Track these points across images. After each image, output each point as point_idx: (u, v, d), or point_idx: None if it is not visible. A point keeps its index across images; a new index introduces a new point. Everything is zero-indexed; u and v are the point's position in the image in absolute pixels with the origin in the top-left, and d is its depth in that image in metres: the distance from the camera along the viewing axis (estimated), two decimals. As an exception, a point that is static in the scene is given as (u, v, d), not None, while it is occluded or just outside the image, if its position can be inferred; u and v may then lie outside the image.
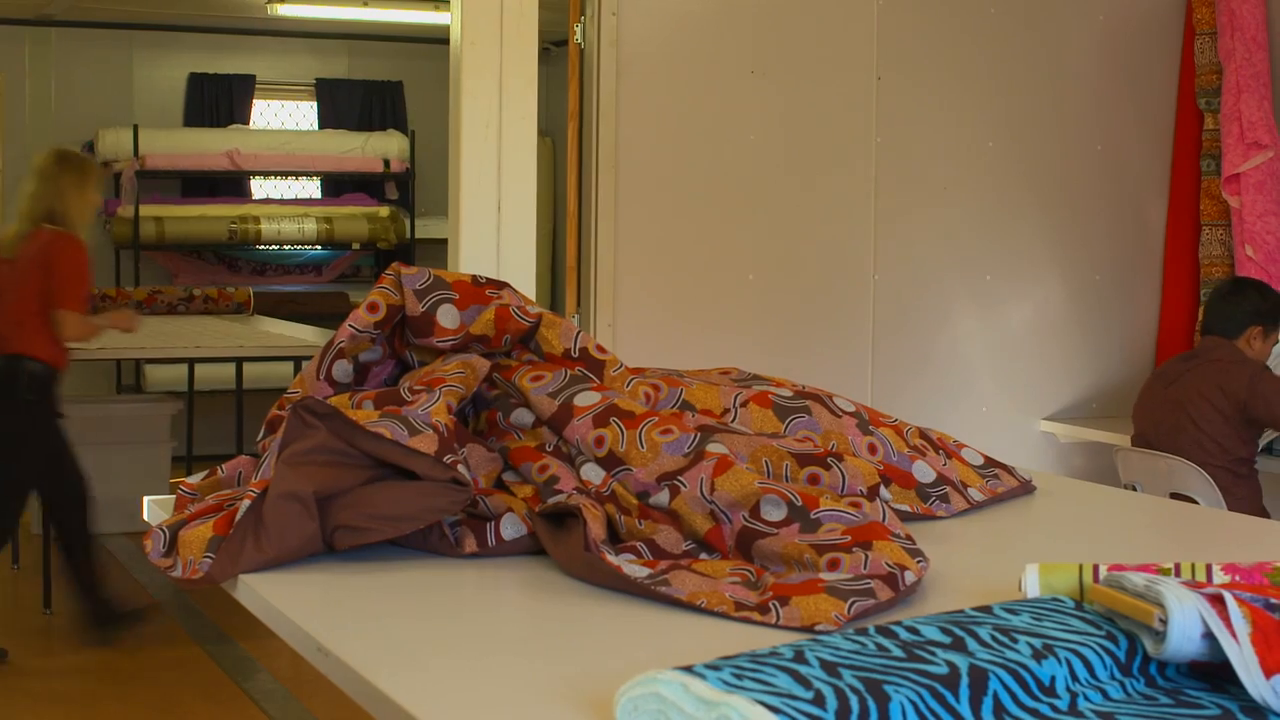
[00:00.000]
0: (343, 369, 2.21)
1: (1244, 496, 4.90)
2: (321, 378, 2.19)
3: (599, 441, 2.03)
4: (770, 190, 5.45)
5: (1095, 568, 1.57)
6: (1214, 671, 1.40)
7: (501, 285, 2.25)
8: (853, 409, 2.34)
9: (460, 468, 1.92)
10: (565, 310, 5.50)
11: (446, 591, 1.81)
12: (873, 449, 2.27)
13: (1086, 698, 1.34)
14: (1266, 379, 4.95)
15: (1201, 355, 5.01)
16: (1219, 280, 5.74)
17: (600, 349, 2.27)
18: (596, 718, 1.31)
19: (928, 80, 5.70)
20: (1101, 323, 6.08)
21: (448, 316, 2.17)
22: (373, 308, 2.18)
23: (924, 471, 2.29)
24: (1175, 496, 4.54)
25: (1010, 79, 5.88)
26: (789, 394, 2.31)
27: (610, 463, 2.01)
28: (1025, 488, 2.48)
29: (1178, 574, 1.57)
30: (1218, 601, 1.37)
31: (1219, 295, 5.17)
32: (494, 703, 1.39)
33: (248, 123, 11.09)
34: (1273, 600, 1.38)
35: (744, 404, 2.26)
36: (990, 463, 2.47)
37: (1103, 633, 1.41)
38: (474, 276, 2.25)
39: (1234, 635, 1.34)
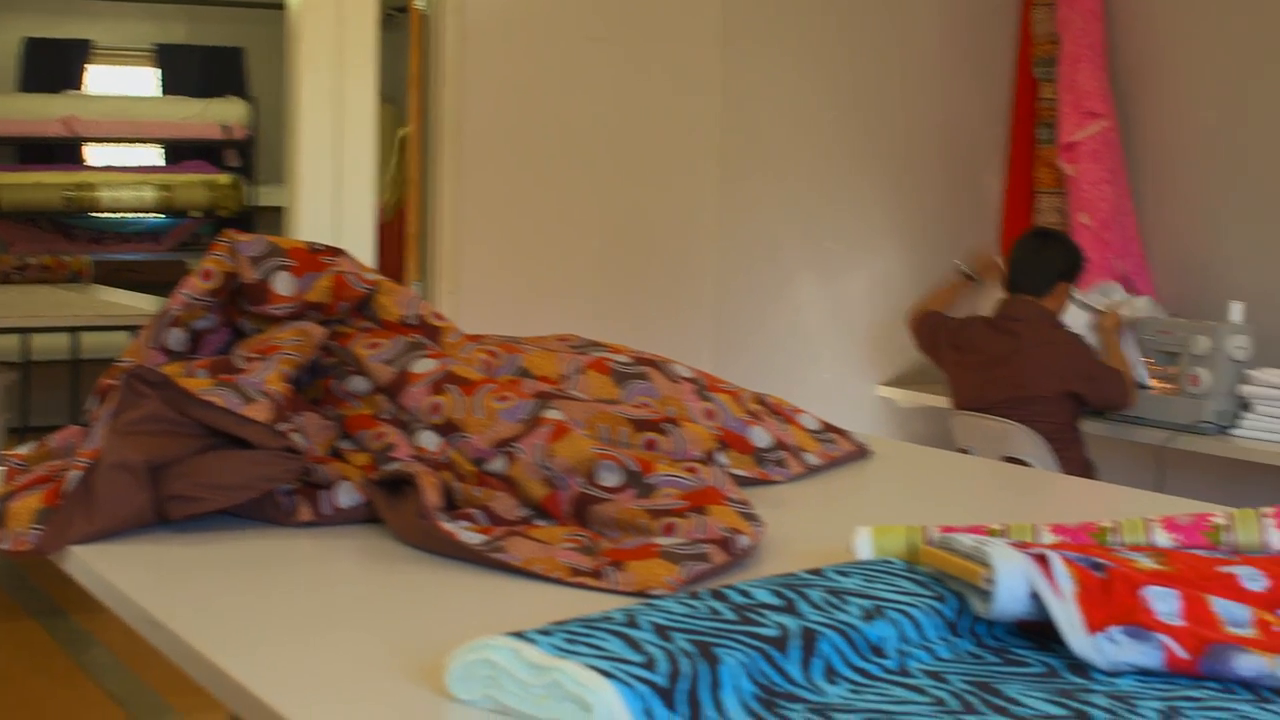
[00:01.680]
0: (177, 337, 2.17)
1: (1074, 459, 5.00)
2: (154, 346, 2.16)
3: (435, 409, 2.02)
4: (613, 157, 5.46)
5: (926, 530, 1.59)
6: (1040, 630, 1.42)
7: (338, 252, 2.23)
8: (690, 375, 2.35)
9: (295, 436, 1.90)
10: (407, 278, 5.47)
11: (281, 561, 1.80)
12: (710, 414, 2.28)
13: (916, 658, 1.36)
14: (1092, 363, 5.06)
15: (1020, 329, 5.06)
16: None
17: (438, 316, 2.26)
18: (430, 686, 1.30)
19: (772, 48, 5.73)
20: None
21: (284, 284, 2.14)
22: (206, 275, 2.15)
23: (761, 436, 2.30)
24: (1008, 460, 4.62)
25: (853, 48, 5.93)
26: (627, 360, 2.32)
27: (447, 430, 2.00)
28: (861, 452, 2.50)
29: (1006, 535, 1.59)
30: (1043, 561, 1.39)
31: (1025, 250, 5.21)
32: (328, 673, 1.38)
33: (84, 88, 10.87)
34: (1097, 559, 1.41)
35: (582, 370, 2.26)
36: (827, 427, 2.50)
37: (932, 594, 1.43)
38: (310, 243, 2.23)
39: (1059, 594, 1.36)
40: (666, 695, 1.17)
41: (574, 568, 1.67)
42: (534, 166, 5.35)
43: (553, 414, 1.98)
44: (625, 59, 5.46)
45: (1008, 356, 5.03)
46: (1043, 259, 5.16)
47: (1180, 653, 1.32)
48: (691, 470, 1.90)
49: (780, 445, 2.32)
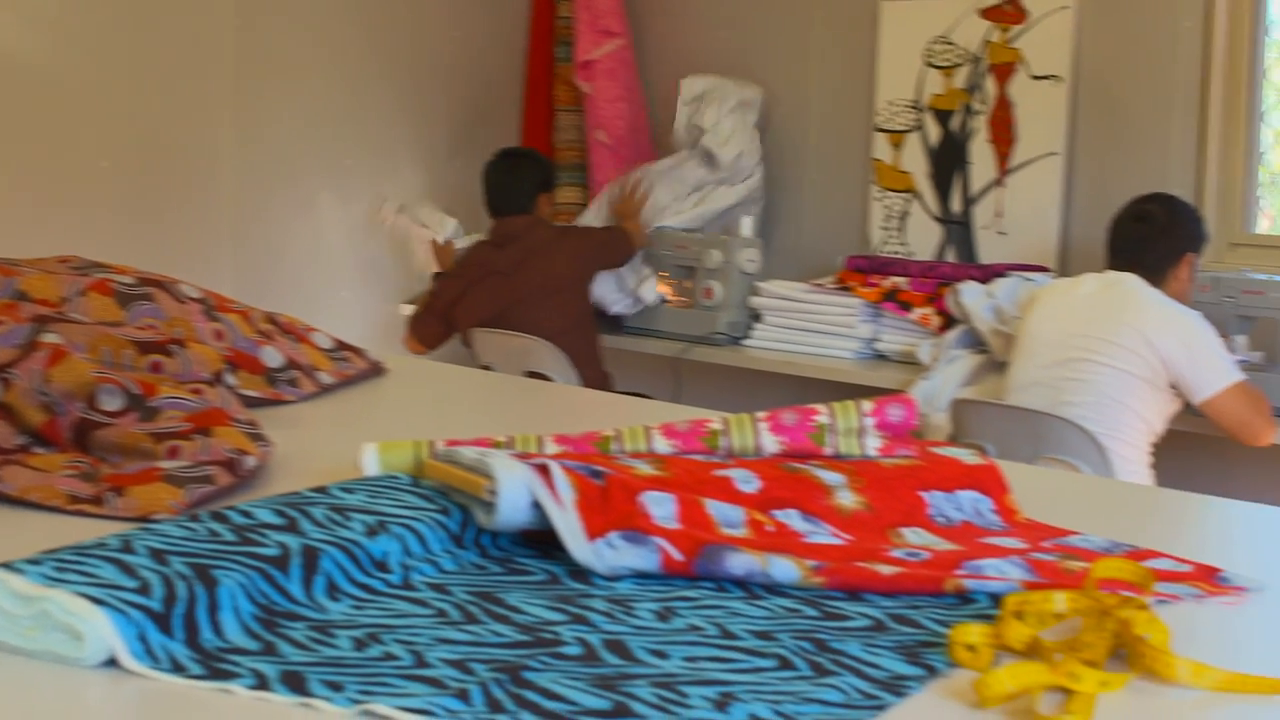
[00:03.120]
0: None
1: (593, 372, 5.12)
2: None
3: (-79, 334, 1.92)
4: (123, 74, 5.26)
5: (432, 444, 1.59)
6: (544, 539, 1.45)
7: None
8: (198, 295, 2.30)
9: None
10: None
11: None
12: (219, 335, 2.24)
13: (420, 571, 1.36)
14: (585, 236, 5.23)
15: (521, 240, 5.17)
16: (571, 164, 5.96)
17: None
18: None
19: (284, -38, 5.62)
20: (459, 207, 6.18)
21: None
22: None
23: (272, 356, 2.27)
24: (531, 374, 4.68)
25: (367, -37, 5.87)
26: (131, 281, 2.25)
27: (-66, 356, 1.90)
28: (376, 369, 2.50)
29: (511, 447, 1.61)
30: (545, 471, 1.41)
31: (498, 173, 5.33)
32: None
33: None
34: (597, 467, 1.44)
35: (83, 292, 2.18)
36: (340, 345, 2.48)
37: (436, 507, 1.44)
38: None
39: (559, 503, 1.39)
40: (162, 620, 1.15)
41: (73, 495, 1.61)
42: (31, 80, 5.10)
43: (51, 338, 1.91)
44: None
45: (513, 269, 5.12)
46: (518, 178, 5.26)
47: (676, 555, 1.36)
48: (197, 392, 1.86)
49: (292, 364, 2.29)
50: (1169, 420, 4.03)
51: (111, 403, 1.80)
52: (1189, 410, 4.05)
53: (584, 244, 5.22)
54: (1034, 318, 4.16)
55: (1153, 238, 4.13)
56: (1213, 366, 3.92)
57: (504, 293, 5.13)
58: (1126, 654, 1.20)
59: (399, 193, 6.04)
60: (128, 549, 1.23)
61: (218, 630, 1.18)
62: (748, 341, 5.36)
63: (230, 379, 2.12)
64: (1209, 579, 1.44)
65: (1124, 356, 3.91)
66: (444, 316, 5.33)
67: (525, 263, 5.11)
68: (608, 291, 5.47)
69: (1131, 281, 4.03)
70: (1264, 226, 4.96)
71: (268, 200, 5.64)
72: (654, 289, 5.49)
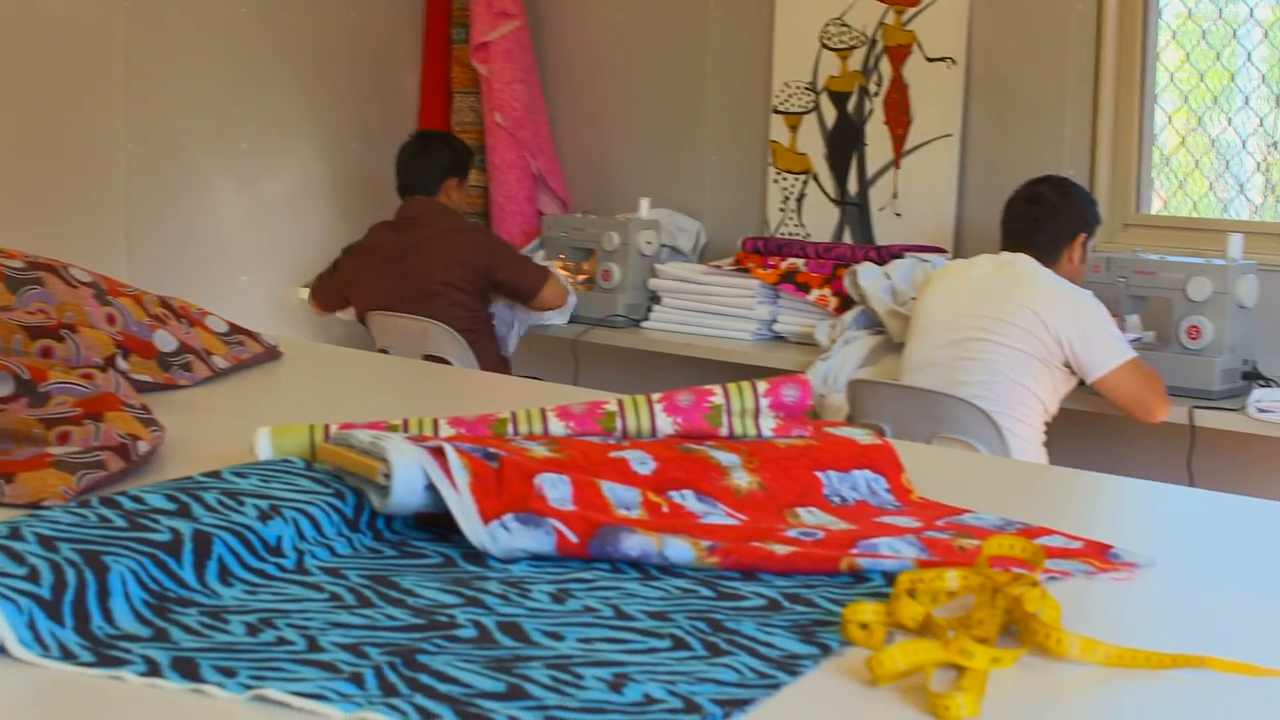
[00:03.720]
0: None
1: (491, 356, 5.10)
2: None
3: None
4: (12, 57, 5.19)
5: (327, 427, 1.58)
6: (439, 522, 1.44)
7: None
8: (90, 279, 2.27)
9: None
10: None
11: None
12: (111, 319, 2.21)
13: (314, 555, 1.36)
14: (499, 245, 5.17)
15: (421, 224, 5.13)
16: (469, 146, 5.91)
17: None
18: None
19: (176, -58, 5.56)
20: (357, 190, 6.15)
21: None
22: None
23: (165, 340, 2.25)
24: (429, 358, 4.67)
25: (261, -57, 5.82)
26: (21, 265, 2.22)
27: None
28: (271, 353, 2.48)
29: (406, 430, 1.60)
30: (439, 454, 1.41)
31: (410, 153, 5.30)
32: None
33: None
34: (491, 450, 1.44)
35: (-29, 277, 2.15)
36: (235, 329, 2.46)
37: (331, 491, 1.43)
38: None
39: (454, 485, 1.39)
40: (51, 607, 1.14)
41: (-39, 482, 1.59)
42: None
43: (-63, 323, 1.88)
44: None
45: (408, 252, 5.08)
46: (427, 159, 5.24)
47: (571, 536, 1.36)
48: (88, 377, 1.84)
49: (186, 349, 2.27)
50: (1062, 399, 4.08)
51: (1, 388, 1.78)
52: (1084, 388, 4.10)
53: (477, 255, 5.11)
54: (928, 299, 4.19)
55: (1045, 219, 4.17)
56: (1105, 345, 3.97)
57: (394, 280, 5.09)
58: (1018, 630, 1.21)
59: (297, 176, 5.99)
60: (16, 536, 1.21)
61: (108, 617, 1.17)
62: (646, 324, 5.37)
63: (123, 364, 2.10)
64: (1100, 555, 1.45)
65: (1018, 335, 3.95)
66: (342, 293, 5.30)
67: (417, 251, 5.07)
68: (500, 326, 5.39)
69: (1024, 262, 4.07)
70: (1156, 207, 5.02)
71: (163, 184, 5.58)
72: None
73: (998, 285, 4.05)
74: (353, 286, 5.23)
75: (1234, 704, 1.12)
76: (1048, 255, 4.13)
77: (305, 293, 5.86)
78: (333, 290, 5.34)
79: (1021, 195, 4.28)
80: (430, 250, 5.05)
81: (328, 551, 1.37)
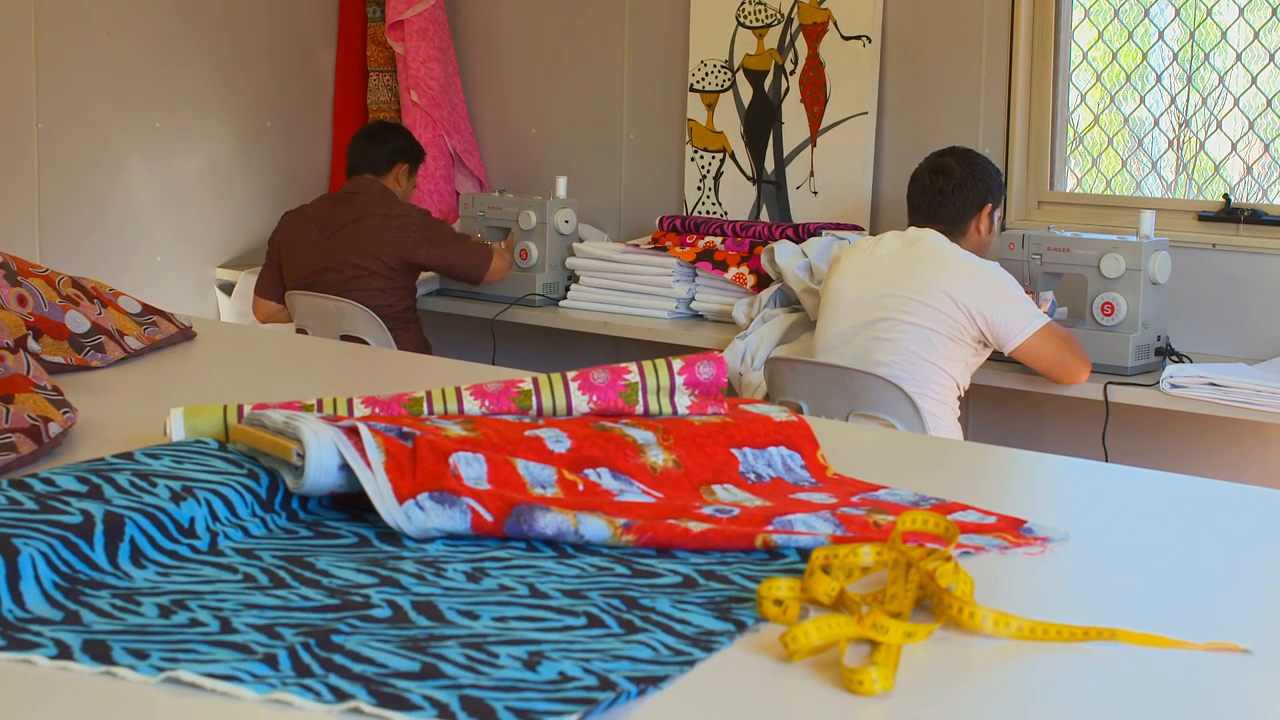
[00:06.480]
0: None
1: (411, 338, 5.08)
2: None
3: None
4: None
5: (240, 408, 1.57)
6: (354, 502, 1.44)
7: None
8: (0, 260, 2.25)
9: None
10: None
11: None
12: (22, 300, 2.19)
13: (227, 536, 1.35)
14: (437, 234, 5.15)
15: (361, 202, 5.11)
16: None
17: None
18: None
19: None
20: (273, 169, 6.11)
21: None
22: None
23: (77, 321, 2.23)
24: (346, 338, 4.64)
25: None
26: (-72, 246, 2.19)
27: None
28: (185, 334, 2.46)
29: (320, 409, 1.60)
30: (354, 433, 1.40)
31: (364, 137, 5.32)
32: None
33: None
34: (406, 429, 1.43)
35: (-123, 257, 2.12)
36: (148, 310, 2.44)
37: (244, 471, 1.42)
38: None
39: (368, 465, 1.38)
40: (-41, 591, 1.13)
41: None
42: None
43: None
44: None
45: (344, 227, 5.05)
46: (381, 143, 5.25)
47: (486, 515, 1.36)
48: (-2, 358, 1.82)
49: (99, 330, 2.25)
50: (972, 373, 4.10)
51: (-92, 370, 1.76)
52: (1004, 361, 4.12)
53: (412, 239, 5.10)
54: (837, 278, 4.19)
55: (950, 191, 4.19)
56: (1019, 313, 3.99)
57: (324, 255, 5.06)
58: (931, 605, 1.22)
59: (212, 155, 5.94)
60: (-77, 519, 1.20)
61: (18, 600, 1.16)
62: (564, 303, 5.36)
63: (34, 345, 2.08)
64: (1014, 530, 1.47)
65: (928, 315, 3.96)
66: (279, 264, 5.22)
67: (352, 229, 5.04)
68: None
69: (931, 238, 4.08)
70: (1071, 185, 5.06)
71: (75, 164, 5.51)
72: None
73: (906, 263, 4.06)
74: (284, 250, 5.18)
75: (1145, 675, 1.13)
76: (955, 228, 4.15)
77: (225, 273, 5.82)
78: (271, 271, 5.26)
79: (926, 168, 4.29)
80: (365, 231, 5.03)
81: (241, 532, 1.36)
